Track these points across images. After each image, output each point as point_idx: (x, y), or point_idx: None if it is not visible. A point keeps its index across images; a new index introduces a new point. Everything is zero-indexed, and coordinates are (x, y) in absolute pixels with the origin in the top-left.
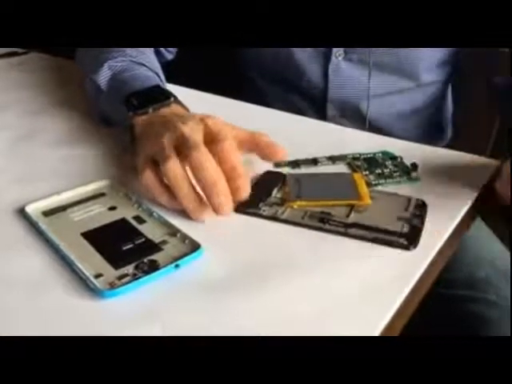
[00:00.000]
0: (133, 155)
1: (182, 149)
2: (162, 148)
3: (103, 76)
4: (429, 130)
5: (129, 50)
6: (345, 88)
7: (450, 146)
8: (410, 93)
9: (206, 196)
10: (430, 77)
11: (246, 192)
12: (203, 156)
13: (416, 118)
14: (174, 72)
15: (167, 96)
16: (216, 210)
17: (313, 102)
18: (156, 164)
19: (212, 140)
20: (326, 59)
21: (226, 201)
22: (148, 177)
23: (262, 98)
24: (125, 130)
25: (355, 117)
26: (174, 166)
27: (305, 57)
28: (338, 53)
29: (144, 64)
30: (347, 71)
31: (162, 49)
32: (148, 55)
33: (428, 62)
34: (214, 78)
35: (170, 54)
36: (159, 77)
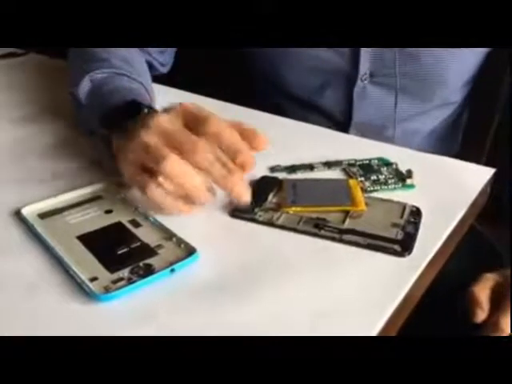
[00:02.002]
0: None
1: (173, 146)
2: (150, 150)
3: (83, 89)
4: (442, 145)
5: (113, 60)
6: (369, 111)
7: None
8: (431, 113)
9: (221, 188)
10: (453, 97)
11: (250, 165)
12: (205, 155)
13: (433, 135)
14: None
15: (145, 109)
16: (236, 198)
17: (335, 123)
18: (149, 172)
19: (192, 122)
20: (352, 82)
21: (241, 188)
22: (153, 190)
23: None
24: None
25: (378, 137)
26: (175, 165)
27: (329, 80)
28: (363, 76)
29: (126, 74)
30: (372, 94)
31: (154, 62)
32: (133, 64)
33: (454, 84)
34: (231, 92)
35: (163, 67)
36: (144, 86)
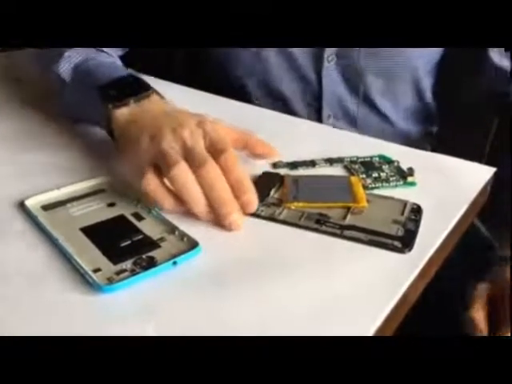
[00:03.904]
0: (118, 153)
1: (187, 159)
2: (165, 153)
3: (65, 67)
4: (413, 122)
5: None
6: (338, 91)
7: (448, 151)
8: (399, 94)
9: (216, 213)
10: (423, 82)
11: (253, 206)
12: (213, 172)
13: (402, 115)
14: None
15: (145, 87)
16: (227, 227)
17: (309, 105)
18: (155, 168)
19: (212, 147)
20: (319, 64)
21: (236, 217)
22: (151, 181)
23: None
24: (98, 124)
25: (348, 118)
26: (183, 172)
27: (297, 63)
28: (329, 57)
29: (103, 50)
30: (339, 75)
31: None
32: None
33: (422, 67)
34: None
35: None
36: (118, 63)
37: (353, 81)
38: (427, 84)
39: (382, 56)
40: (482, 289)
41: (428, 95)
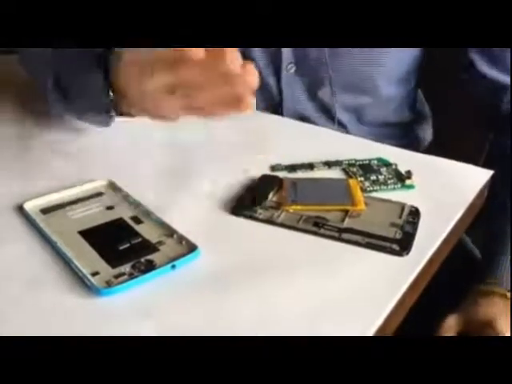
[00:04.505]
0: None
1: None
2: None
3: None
4: (383, 136)
5: None
6: (298, 100)
7: (444, 154)
8: (368, 107)
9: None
10: (389, 92)
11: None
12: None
13: (365, 128)
14: None
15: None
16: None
17: (269, 109)
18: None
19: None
20: (278, 71)
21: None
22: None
23: None
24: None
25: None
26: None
27: (259, 66)
28: (288, 66)
29: None
30: (299, 85)
31: None
32: None
33: (386, 78)
34: None
35: None
36: None
37: (312, 91)
38: (394, 97)
39: (341, 67)
40: (452, 322)
41: (392, 109)
